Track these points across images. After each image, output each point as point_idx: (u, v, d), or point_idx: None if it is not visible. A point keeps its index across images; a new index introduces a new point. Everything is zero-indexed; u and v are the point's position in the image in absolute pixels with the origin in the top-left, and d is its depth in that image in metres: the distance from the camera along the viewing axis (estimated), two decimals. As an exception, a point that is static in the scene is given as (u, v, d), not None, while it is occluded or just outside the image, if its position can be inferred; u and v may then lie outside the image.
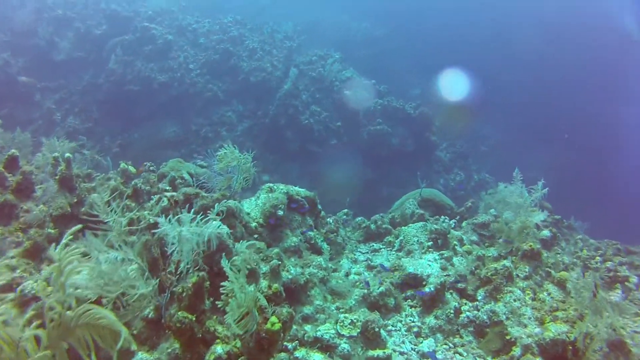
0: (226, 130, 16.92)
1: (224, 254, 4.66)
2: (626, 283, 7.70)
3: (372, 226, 9.26)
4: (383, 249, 8.71)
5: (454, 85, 25.32)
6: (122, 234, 4.75)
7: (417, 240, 8.35)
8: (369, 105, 18.33)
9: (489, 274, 6.86)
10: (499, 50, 28.05)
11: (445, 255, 7.81)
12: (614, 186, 27.71)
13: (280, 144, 16.91)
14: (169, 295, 4.55)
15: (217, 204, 5.49)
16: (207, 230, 4.73)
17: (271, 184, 7.88)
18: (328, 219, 8.73)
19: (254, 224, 6.77)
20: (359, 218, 9.64)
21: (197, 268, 4.73)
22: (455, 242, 8.29)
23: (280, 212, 7.04)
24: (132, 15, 18.88)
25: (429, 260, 7.67)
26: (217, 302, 4.32)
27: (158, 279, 4.63)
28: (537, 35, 28.06)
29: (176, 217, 4.68)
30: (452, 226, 9.22)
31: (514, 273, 6.99)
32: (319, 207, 8.27)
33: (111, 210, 4.77)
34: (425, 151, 19.02)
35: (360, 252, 8.66)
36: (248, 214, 6.97)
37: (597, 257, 8.84)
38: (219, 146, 16.32)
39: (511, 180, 8.93)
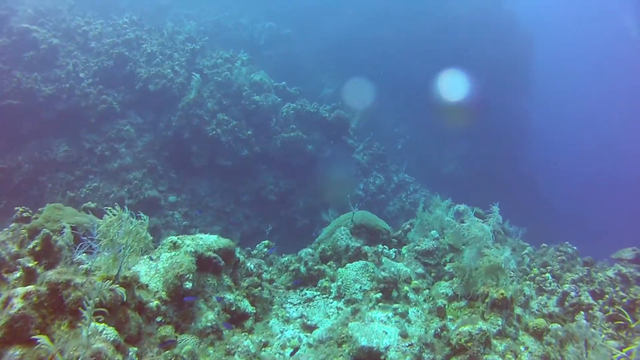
0: (125, 146, 15.20)
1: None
2: (589, 311, 7.15)
3: (302, 269, 7.82)
4: (318, 297, 7.40)
5: (364, 85, 24.95)
6: None
7: (360, 288, 7.18)
8: (282, 110, 17.35)
9: (463, 340, 5.59)
10: (409, 46, 27.81)
11: (400, 310, 6.68)
12: (523, 173, 28.69)
13: (186, 158, 15.49)
14: None
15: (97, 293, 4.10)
16: None
17: (175, 238, 6.23)
18: (248, 265, 7.24)
19: (154, 303, 5.15)
20: (285, 258, 8.12)
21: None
22: (406, 288, 7.25)
23: (188, 285, 5.42)
24: (7, 14, 16.15)
25: (382, 322, 6.42)
26: None
27: None
28: (444, 31, 28.04)
29: None
30: (393, 257, 8.39)
31: (491, 332, 5.91)
32: (237, 255, 6.85)
33: None
34: (342, 155, 18.32)
35: (291, 303, 7.28)
36: (146, 285, 5.38)
37: (547, 275, 8.33)
38: (118, 166, 14.89)
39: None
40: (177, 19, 23.05)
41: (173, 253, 5.92)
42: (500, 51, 28.13)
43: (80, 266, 4.73)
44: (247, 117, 16.72)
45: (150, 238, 5.20)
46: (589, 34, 42.47)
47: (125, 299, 4.48)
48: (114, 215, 4.81)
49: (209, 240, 6.37)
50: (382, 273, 7.20)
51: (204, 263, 6.03)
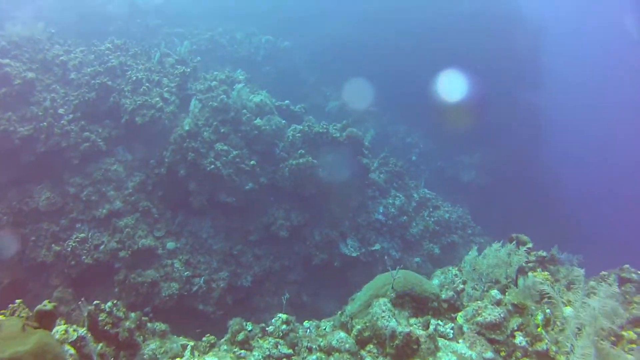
0: (113, 189, 13.44)
1: None
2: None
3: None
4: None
5: (362, 92, 23.32)
6: None
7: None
8: (287, 133, 15.52)
9: None
10: (410, 46, 26.00)
11: None
12: (541, 179, 26.74)
13: (184, 198, 13.65)
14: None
15: None
16: None
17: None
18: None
19: None
20: (314, 355, 6.14)
21: None
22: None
23: None
24: (-22, 51, 14.64)
25: None
26: None
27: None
28: (445, 28, 26.12)
29: None
30: (451, 336, 6.54)
31: None
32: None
33: None
34: (358, 177, 16.44)
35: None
36: None
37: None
38: (107, 212, 13.16)
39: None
40: (167, 39, 21.31)
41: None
42: (505, 46, 26.21)
43: None
44: (249, 145, 14.87)
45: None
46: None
47: None
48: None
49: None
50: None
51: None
